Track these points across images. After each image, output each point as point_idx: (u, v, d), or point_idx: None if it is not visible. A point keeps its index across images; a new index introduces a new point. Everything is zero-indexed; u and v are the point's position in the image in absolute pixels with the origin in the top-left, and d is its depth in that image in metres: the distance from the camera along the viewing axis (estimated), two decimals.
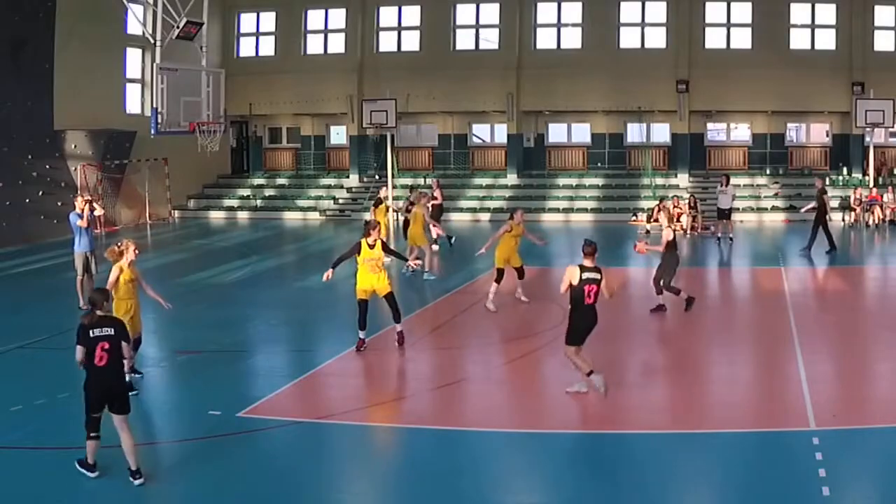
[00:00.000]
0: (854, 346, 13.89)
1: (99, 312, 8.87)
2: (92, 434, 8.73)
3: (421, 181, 34.82)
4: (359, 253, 13.39)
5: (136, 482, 8.68)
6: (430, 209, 21.98)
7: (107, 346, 8.67)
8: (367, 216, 22.40)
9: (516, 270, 16.91)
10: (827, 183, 31.67)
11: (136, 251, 11.93)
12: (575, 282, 10.91)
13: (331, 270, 13.46)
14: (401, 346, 13.60)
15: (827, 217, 22.95)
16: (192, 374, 12.84)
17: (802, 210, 24.41)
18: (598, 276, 11.00)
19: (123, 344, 8.87)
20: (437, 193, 25.49)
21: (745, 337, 14.86)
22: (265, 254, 25.27)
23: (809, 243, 22.72)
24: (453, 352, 13.85)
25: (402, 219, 23.35)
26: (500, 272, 16.64)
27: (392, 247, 17.85)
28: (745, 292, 19.69)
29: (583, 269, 10.98)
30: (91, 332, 8.69)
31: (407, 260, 13.76)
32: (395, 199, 28.09)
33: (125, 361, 8.98)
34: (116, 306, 11.31)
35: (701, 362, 13.25)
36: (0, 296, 19.40)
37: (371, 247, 13.32)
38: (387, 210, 23.04)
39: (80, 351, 8.69)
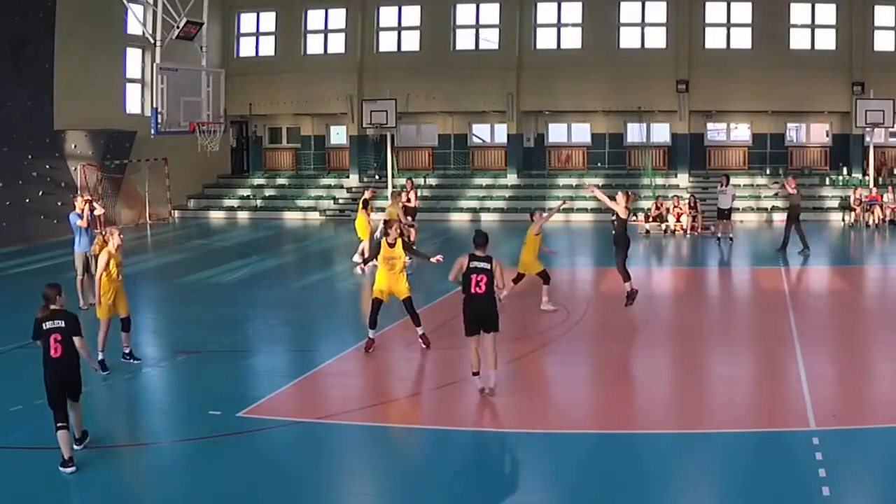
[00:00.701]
0: (854, 346, 13.89)
1: (53, 306, 9.23)
2: (59, 425, 8.92)
3: (421, 181, 34.88)
4: (379, 252, 13.45)
5: (78, 447, 9.17)
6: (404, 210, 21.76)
7: (59, 337, 9.04)
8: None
9: (541, 276, 16.26)
10: (828, 182, 31.86)
11: (122, 237, 12.61)
12: (464, 269, 11.11)
13: (362, 266, 13.63)
14: (427, 347, 13.56)
15: (799, 216, 23.07)
16: (192, 374, 12.84)
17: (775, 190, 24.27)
18: (487, 265, 11.11)
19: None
20: (410, 195, 24.00)
21: (745, 337, 14.85)
22: (265, 254, 25.26)
23: (784, 243, 22.89)
24: (453, 352, 13.83)
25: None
26: (521, 277, 16.32)
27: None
28: (745, 292, 19.68)
29: (472, 258, 11.16)
30: (44, 324, 9.11)
31: (429, 258, 13.73)
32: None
33: (82, 353, 9.20)
34: (105, 288, 12.25)
35: (701, 362, 13.23)
36: (0, 296, 19.39)
37: (391, 245, 13.34)
38: (373, 210, 22.96)
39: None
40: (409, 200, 23.62)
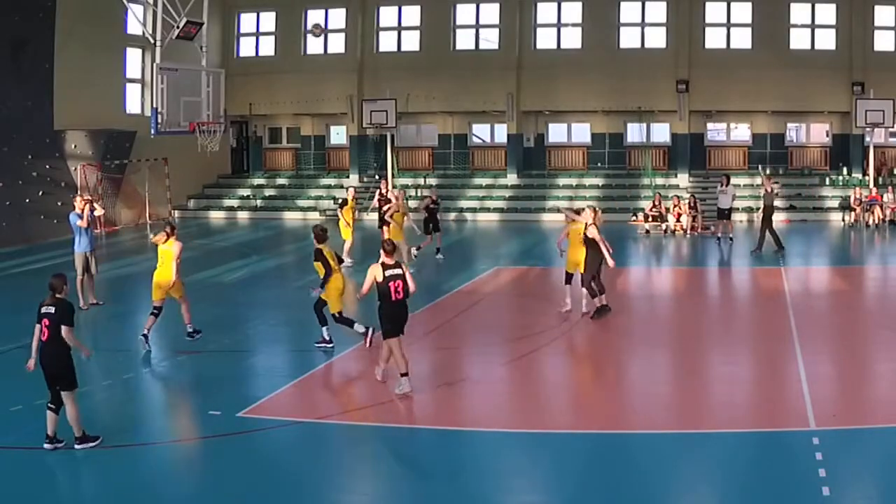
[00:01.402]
0: (854, 346, 13.89)
1: (58, 296, 9.57)
2: (49, 405, 9.44)
3: (421, 181, 34.88)
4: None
5: (79, 447, 9.33)
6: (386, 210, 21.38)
7: (48, 322, 9.42)
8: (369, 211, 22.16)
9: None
10: (828, 182, 31.87)
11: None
12: (380, 279, 11.21)
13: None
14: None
15: (772, 217, 23.15)
16: (192, 374, 12.85)
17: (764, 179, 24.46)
18: (400, 271, 11.30)
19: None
20: (390, 196, 22.47)
21: (745, 337, 14.85)
22: (265, 254, 25.27)
23: (759, 244, 22.90)
24: (453, 352, 13.85)
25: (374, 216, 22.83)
26: (571, 277, 15.83)
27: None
28: (745, 292, 19.68)
29: (385, 266, 11.27)
30: (41, 309, 9.56)
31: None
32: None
33: (69, 340, 9.49)
34: (165, 272, 13.81)
35: (701, 362, 13.24)
36: (0, 296, 19.39)
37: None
38: (354, 210, 22.82)
39: (36, 328, 9.51)
40: (389, 200, 21.99)
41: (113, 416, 10.88)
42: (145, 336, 13.67)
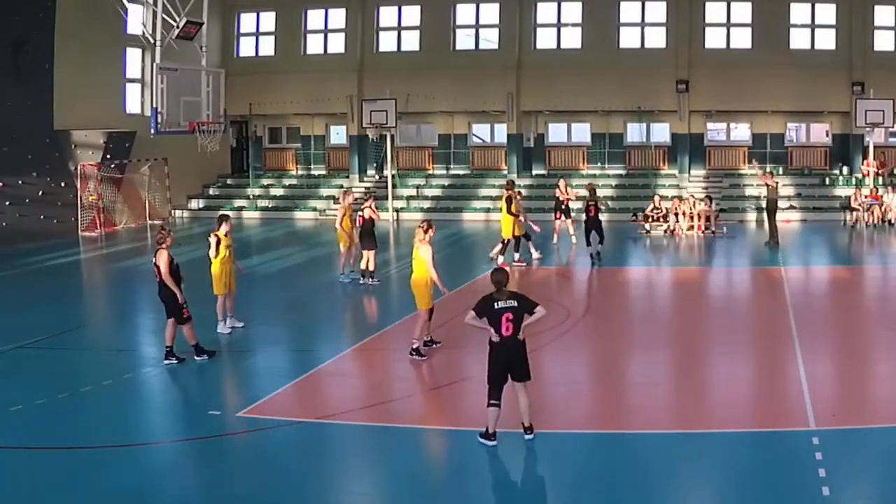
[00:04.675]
0: (854, 346, 13.89)
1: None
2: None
3: (422, 181, 34.88)
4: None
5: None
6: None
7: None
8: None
9: None
10: (828, 182, 31.86)
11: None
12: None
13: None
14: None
15: (777, 212, 24.15)
16: (193, 374, 12.83)
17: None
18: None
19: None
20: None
21: (745, 337, 14.84)
22: (265, 254, 25.26)
23: (770, 237, 23.82)
24: (453, 352, 13.84)
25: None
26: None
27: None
28: (745, 292, 19.68)
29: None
30: None
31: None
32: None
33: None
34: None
35: (701, 362, 13.24)
36: (0, 296, 19.40)
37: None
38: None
39: None
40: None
41: (113, 416, 10.88)
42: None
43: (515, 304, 9.55)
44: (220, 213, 15.82)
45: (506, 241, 20.86)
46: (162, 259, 12.81)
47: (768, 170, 26.81)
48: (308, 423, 10.58)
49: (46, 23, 27.51)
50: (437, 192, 34.57)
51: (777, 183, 24.97)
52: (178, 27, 21.38)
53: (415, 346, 13.06)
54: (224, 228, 14.82)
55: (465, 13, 35.05)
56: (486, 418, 9.52)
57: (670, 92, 32.57)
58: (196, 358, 12.99)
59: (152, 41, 21.77)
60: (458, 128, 36.05)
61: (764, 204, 24.96)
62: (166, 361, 12.85)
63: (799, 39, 32.59)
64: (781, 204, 30.76)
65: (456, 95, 33.73)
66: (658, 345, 14.43)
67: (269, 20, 36.43)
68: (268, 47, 36.51)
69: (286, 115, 36.58)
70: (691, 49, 32.65)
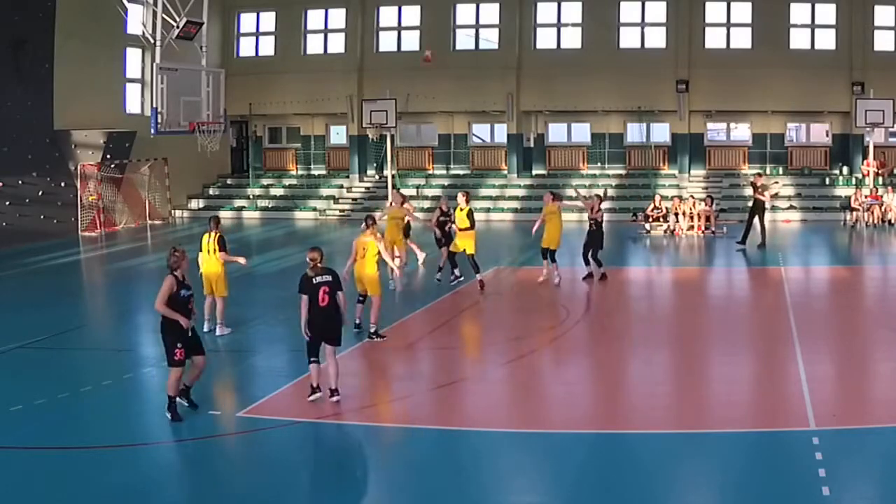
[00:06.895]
0: (854, 346, 13.89)
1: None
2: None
3: (422, 181, 34.87)
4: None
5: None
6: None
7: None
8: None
9: None
10: (828, 182, 31.87)
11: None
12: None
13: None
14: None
15: (764, 214, 24.15)
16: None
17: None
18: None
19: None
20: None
21: (745, 337, 14.84)
22: (265, 254, 25.25)
23: (762, 240, 23.71)
24: (453, 352, 13.85)
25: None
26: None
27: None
28: (745, 292, 19.68)
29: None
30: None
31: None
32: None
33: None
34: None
35: (701, 362, 13.24)
36: (0, 295, 19.40)
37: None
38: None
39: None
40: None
41: (113, 416, 10.88)
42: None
43: (330, 279, 10.92)
44: (213, 214, 16.21)
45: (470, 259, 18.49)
46: (165, 284, 10.84)
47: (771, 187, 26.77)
48: (308, 423, 10.58)
49: (46, 22, 27.51)
50: (437, 192, 34.53)
51: (768, 197, 24.91)
52: (178, 27, 21.37)
53: (373, 331, 14.09)
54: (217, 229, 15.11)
55: (465, 13, 35.05)
56: (311, 375, 10.96)
57: (670, 92, 32.58)
58: (167, 414, 10.52)
59: (152, 41, 21.76)
60: (458, 128, 36.05)
61: (750, 204, 24.81)
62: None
63: (799, 39, 32.61)
64: (781, 204, 30.88)
65: (456, 95, 33.73)
66: (658, 345, 14.43)
67: (269, 20, 36.43)
68: (268, 47, 36.51)
69: (286, 115, 36.57)
70: (691, 49, 32.66)
